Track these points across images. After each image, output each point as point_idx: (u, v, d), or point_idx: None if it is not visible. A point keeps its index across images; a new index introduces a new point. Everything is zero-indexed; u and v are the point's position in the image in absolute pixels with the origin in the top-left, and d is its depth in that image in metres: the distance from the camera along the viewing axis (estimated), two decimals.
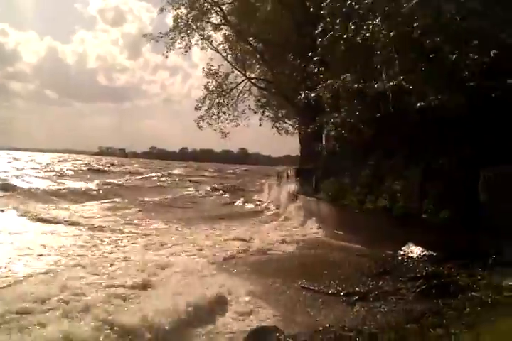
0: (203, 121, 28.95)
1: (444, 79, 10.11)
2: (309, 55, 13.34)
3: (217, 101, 29.42)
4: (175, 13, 27.02)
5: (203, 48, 29.38)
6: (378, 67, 10.77)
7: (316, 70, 13.77)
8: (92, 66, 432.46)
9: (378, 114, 12.69)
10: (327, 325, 6.18)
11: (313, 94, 14.80)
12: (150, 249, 12.19)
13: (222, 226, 17.50)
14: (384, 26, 9.61)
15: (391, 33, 9.53)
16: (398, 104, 11.04)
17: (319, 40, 12.23)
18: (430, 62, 9.94)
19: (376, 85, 10.47)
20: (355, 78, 12.04)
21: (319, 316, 6.85)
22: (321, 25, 12.14)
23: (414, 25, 9.37)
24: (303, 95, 16.30)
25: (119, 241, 13.11)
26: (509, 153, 9.89)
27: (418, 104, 10.06)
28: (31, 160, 71.35)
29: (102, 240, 13.07)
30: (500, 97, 10.91)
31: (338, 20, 11.13)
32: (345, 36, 10.79)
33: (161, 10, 27.62)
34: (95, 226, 15.64)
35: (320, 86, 14.10)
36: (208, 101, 29.31)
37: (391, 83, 9.87)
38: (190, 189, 41.24)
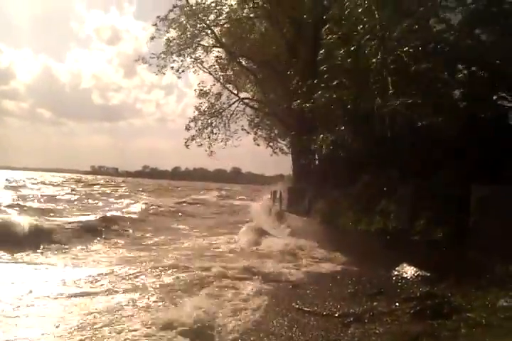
0: (192, 140, 29.15)
1: (436, 100, 10.34)
2: (314, 81, 13.68)
3: (208, 121, 29.64)
4: (166, 36, 27.35)
5: (195, 71, 29.73)
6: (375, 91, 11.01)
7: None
8: (87, 85, 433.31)
9: (372, 135, 12.90)
10: None
11: (307, 105, 14.97)
12: None
13: None
14: (379, 51, 9.87)
15: (386, 58, 9.79)
16: (392, 124, 11.23)
17: (322, 67, 12.56)
18: (422, 85, 10.17)
19: (375, 106, 10.67)
20: (352, 98, 12.29)
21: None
22: (322, 52, 12.47)
23: (405, 49, 9.63)
24: (296, 104, 16.46)
25: None
26: (500, 171, 10.02)
27: (419, 123, 10.23)
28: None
29: None
30: (490, 117, 11.14)
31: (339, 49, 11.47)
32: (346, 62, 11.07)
33: (152, 38, 27.94)
34: None
35: (315, 95, 14.22)
36: (199, 122, 29.53)
37: (387, 107, 10.06)
38: None
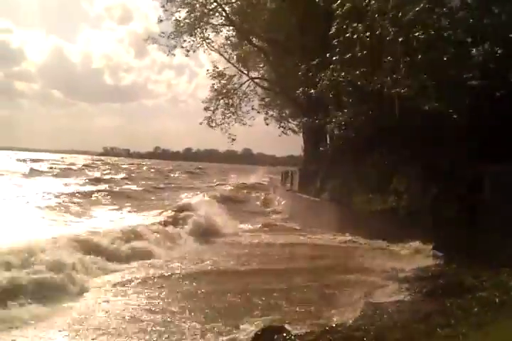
0: (212, 122, 29.14)
1: (447, 80, 10.17)
2: (325, 55, 13.53)
3: (223, 101, 29.51)
4: (176, 15, 27.03)
5: (206, 50, 29.45)
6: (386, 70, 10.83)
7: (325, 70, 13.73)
8: (98, 65, 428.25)
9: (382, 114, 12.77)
10: (334, 325, 6.17)
11: (312, 90, 14.93)
12: None
13: None
14: (392, 29, 9.68)
15: (399, 39, 9.60)
16: (403, 104, 11.08)
17: (335, 40, 12.35)
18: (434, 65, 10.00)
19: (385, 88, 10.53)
20: (362, 76, 12.13)
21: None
22: (335, 25, 12.21)
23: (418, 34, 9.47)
24: (301, 90, 16.46)
25: None
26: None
27: (426, 107, 10.08)
28: None
29: None
30: (504, 96, 10.93)
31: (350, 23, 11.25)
32: (360, 35, 10.86)
33: (160, 21, 28.02)
34: None
35: (322, 82, 14.10)
36: (214, 102, 29.42)
37: (397, 89, 9.91)
38: None
